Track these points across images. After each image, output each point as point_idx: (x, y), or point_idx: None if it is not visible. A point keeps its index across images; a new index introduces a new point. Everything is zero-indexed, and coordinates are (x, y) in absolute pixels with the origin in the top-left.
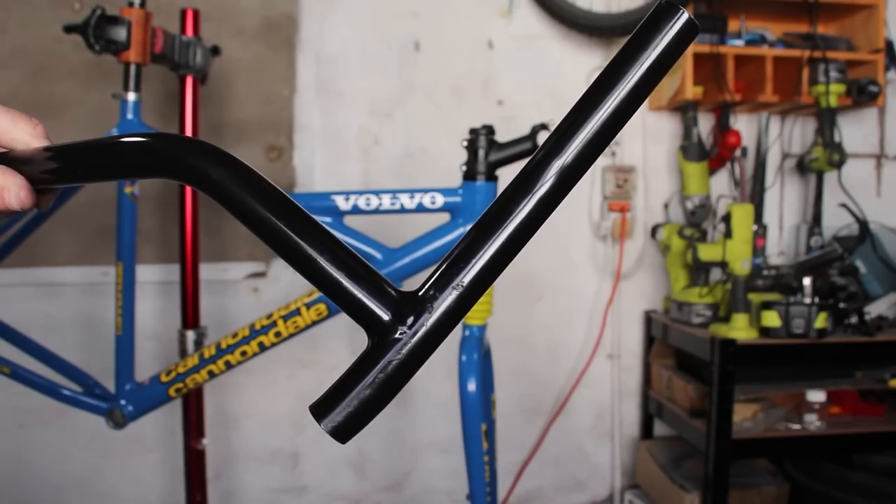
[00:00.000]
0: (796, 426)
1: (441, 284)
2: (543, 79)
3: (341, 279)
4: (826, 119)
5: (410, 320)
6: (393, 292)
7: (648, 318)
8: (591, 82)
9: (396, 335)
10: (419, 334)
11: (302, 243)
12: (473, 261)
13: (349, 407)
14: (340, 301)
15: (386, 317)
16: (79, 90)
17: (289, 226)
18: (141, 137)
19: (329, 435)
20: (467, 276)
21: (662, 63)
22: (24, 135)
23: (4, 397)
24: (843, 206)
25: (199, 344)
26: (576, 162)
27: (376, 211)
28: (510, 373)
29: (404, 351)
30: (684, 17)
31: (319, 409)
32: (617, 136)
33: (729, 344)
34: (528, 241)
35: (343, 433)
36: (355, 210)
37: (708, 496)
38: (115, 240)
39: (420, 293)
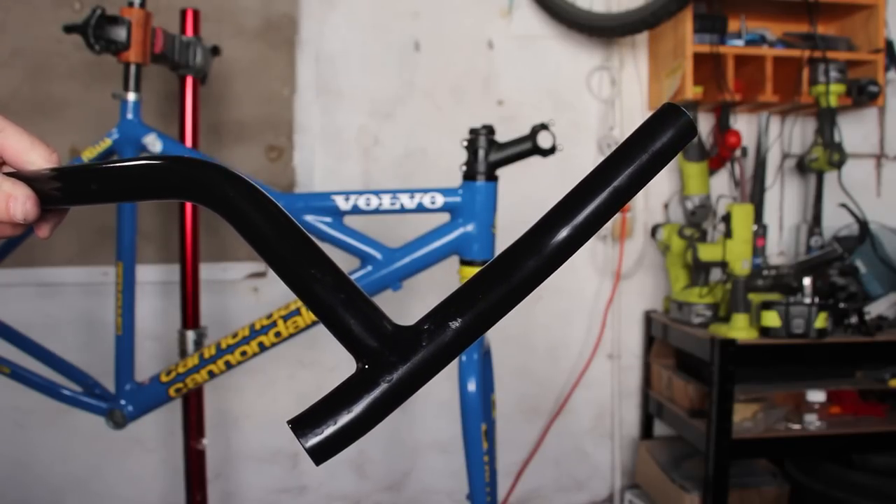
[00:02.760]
0: (796, 426)
1: (438, 320)
2: (543, 79)
3: (336, 307)
4: (826, 119)
5: (401, 352)
6: (388, 325)
7: (648, 318)
8: (596, 166)
9: (386, 365)
10: (407, 368)
11: (304, 271)
12: (474, 305)
13: (331, 427)
14: (333, 327)
15: (377, 345)
16: (79, 90)
17: (293, 252)
18: (146, 161)
19: (307, 453)
20: (465, 317)
21: (662, 156)
22: (39, 159)
23: (4, 397)
24: (843, 206)
25: (199, 344)
26: (584, 226)
27: (376, 211)
28: (510, 373)
29: (393, 380)
30: (684, 118)
31: (300, 426)
32: (616, 136)
33: (729, 344)
34: (529, 293)
35: (320, 454)
36: (355, 210)
37: (708, 496)
38: (115, 240)
39: (416, 327)
